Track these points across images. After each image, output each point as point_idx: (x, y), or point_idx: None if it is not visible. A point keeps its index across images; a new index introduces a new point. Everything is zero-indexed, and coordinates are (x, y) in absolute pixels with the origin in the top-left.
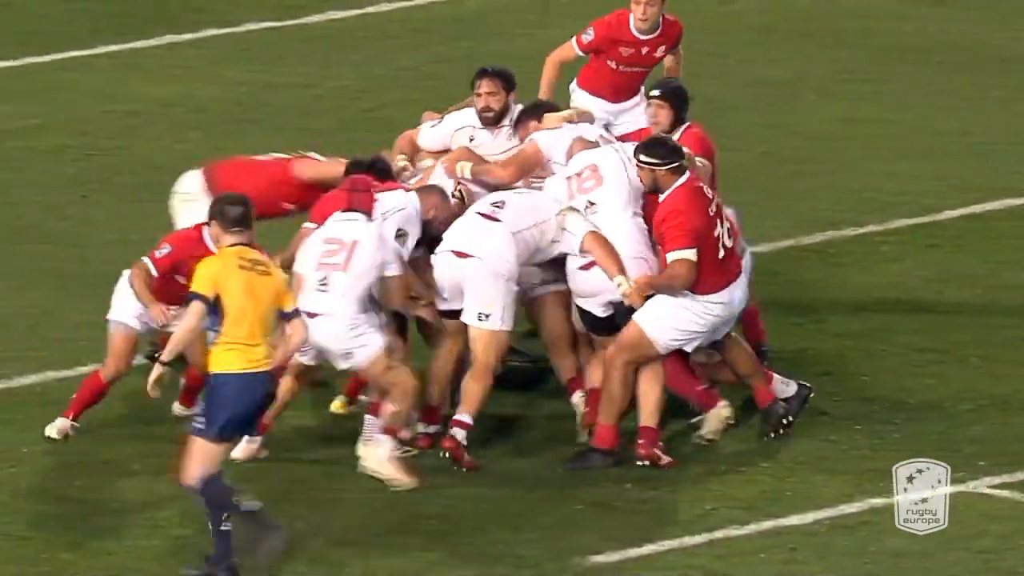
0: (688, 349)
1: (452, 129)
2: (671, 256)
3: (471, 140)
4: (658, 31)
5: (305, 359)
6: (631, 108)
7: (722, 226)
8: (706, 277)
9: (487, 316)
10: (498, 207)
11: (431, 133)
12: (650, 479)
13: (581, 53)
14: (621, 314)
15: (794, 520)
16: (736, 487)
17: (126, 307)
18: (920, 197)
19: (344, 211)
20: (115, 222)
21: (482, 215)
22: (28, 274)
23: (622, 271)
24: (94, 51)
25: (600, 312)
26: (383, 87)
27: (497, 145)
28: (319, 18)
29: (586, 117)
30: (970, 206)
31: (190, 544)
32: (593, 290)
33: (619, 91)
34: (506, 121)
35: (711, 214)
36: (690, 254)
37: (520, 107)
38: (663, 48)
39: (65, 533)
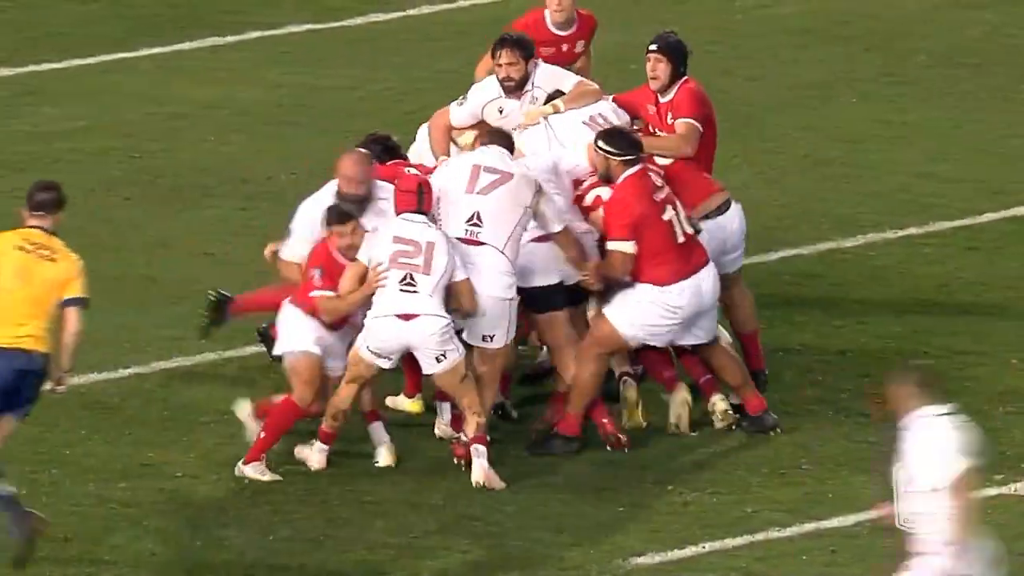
0: (659, 344)
1: (481, 103)
2: (608, 246)
3: (500, 112)
4: (575, 25)
5: (386, 365)
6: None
7: (676, 211)
8: (665, 265)
9: (492, 337)
10: (476, 225)
11: (460, 112)
12: (691, 481)
13: None
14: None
15: (835, 522)
16: (777, 489)
17: (301, 336)
18: (959, 200)
19: (412, 211)
20: (158, 224)
21: (464, 240)
22: None
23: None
24: (138, 53)
25: (540, 282)
26: (425, 89)
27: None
28: (361, 20)
29: (585, 99)
30: (1010, 208)
31: (232, 545)
32: (540, 265)
33: None
34: (528, 87)
35: (657, 200)
36: (625, 246)
37: (542, 67)
38: (582, 43)
39: (108, 535)
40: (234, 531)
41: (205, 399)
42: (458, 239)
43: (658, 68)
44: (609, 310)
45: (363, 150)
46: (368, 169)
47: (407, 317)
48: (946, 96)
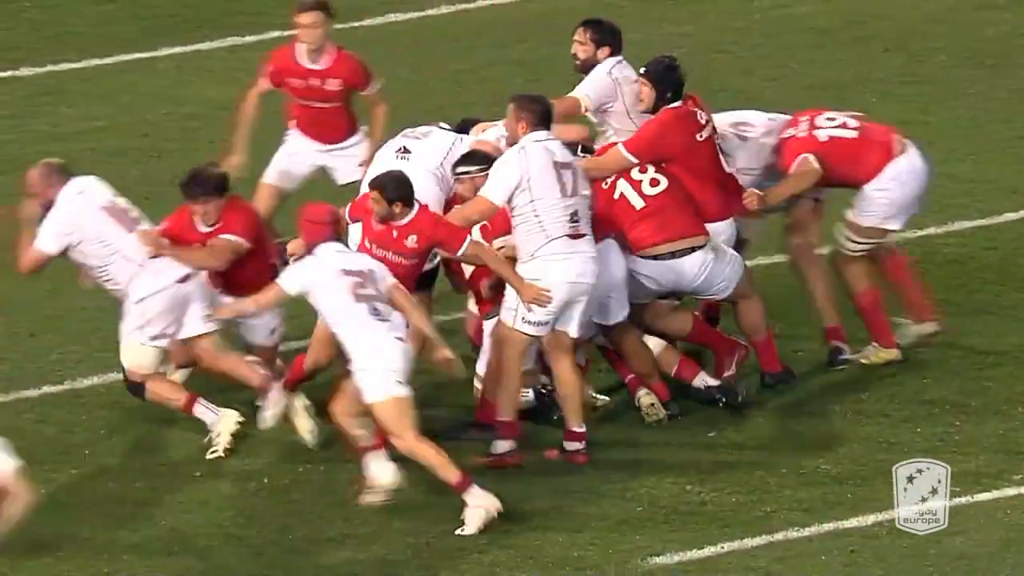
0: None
1: None
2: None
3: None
4: (325, 61)
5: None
6: (346, 148)
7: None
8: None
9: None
10: (575, 221)
11: None
12: (710, 481)
13: (266, 85)
14: None
15: (854, 522)
16: (796, 489)
17: None
18: (977, 200)
19: (335, 240)
20: None
21: (569, 236)
22: None
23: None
24: (156, 53)
25: None
26: (442, 89)
27: None
28: (379, 20)
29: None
30: None
31: (252, 544)
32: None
33: (319, 127)
34: (594, 73)
35: None
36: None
37: (614, 61)
38: (337, 82)
39: (127, 535)
40: (253, 530)
41: (224, 399)
42: (565, 236)
43: (643, 91)
44: (502, 312)
45: (47, 161)
46: (33, 183)
47: (402, 340)
48: (964, 96)
